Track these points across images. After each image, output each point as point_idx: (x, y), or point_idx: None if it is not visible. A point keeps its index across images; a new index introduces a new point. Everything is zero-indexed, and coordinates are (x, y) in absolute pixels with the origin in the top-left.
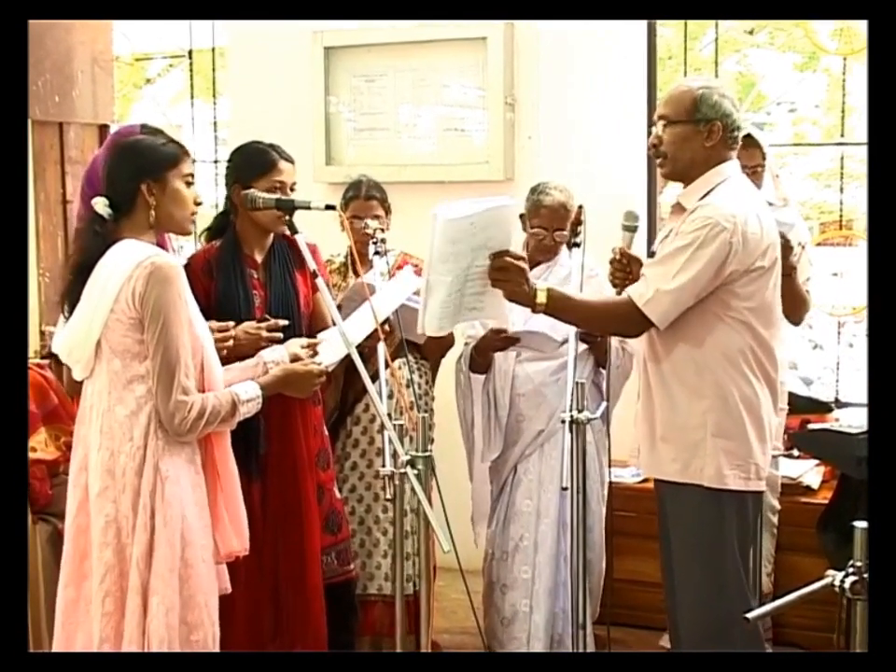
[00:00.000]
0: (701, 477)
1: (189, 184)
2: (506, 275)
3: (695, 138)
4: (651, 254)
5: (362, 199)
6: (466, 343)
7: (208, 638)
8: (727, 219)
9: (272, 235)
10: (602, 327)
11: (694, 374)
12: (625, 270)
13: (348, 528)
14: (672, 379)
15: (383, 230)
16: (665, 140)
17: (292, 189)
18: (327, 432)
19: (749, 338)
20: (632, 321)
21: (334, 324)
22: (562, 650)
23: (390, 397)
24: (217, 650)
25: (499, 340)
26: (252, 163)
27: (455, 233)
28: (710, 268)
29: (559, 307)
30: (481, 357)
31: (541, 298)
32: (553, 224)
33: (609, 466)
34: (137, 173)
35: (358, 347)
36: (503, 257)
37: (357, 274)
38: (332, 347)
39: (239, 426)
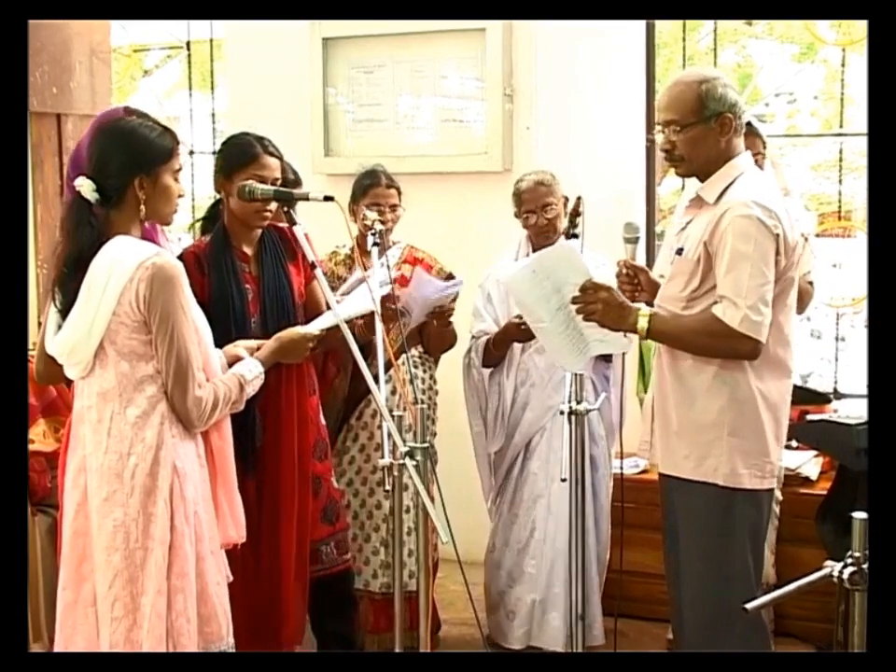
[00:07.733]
0: (715, 476)
1: (177, 178)
2: (593, 308)
3: (710, 136)
4: (649, 248)
5: (383, 186)
6: (474, 337)
7: (222, 629)
8: (766, 214)
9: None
10: (710, 352)
11: (713, 371)
12: (633, 282)
13: (346, 518)
14: (689, 375)
15: (382, 221)
16: (680, 144)
17: (277, 183)
18: (324, 422)
19: (771, 332)
20: (738, 343)
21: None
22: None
23: (393, 392)
24: (231, 639)
25: (522, 331)
26: (234, 155)
27: (523, 285)
28: (771, 263)
29: (660, 331)
30: (499, 350)
31: (642, 324)
32: (536, 202)
33: (621, 458)
34: (131, 167)
35: (360, 344)
36: (586, 291)
37: (363, 264)
38: (324, 318)
39: (235, 420)
